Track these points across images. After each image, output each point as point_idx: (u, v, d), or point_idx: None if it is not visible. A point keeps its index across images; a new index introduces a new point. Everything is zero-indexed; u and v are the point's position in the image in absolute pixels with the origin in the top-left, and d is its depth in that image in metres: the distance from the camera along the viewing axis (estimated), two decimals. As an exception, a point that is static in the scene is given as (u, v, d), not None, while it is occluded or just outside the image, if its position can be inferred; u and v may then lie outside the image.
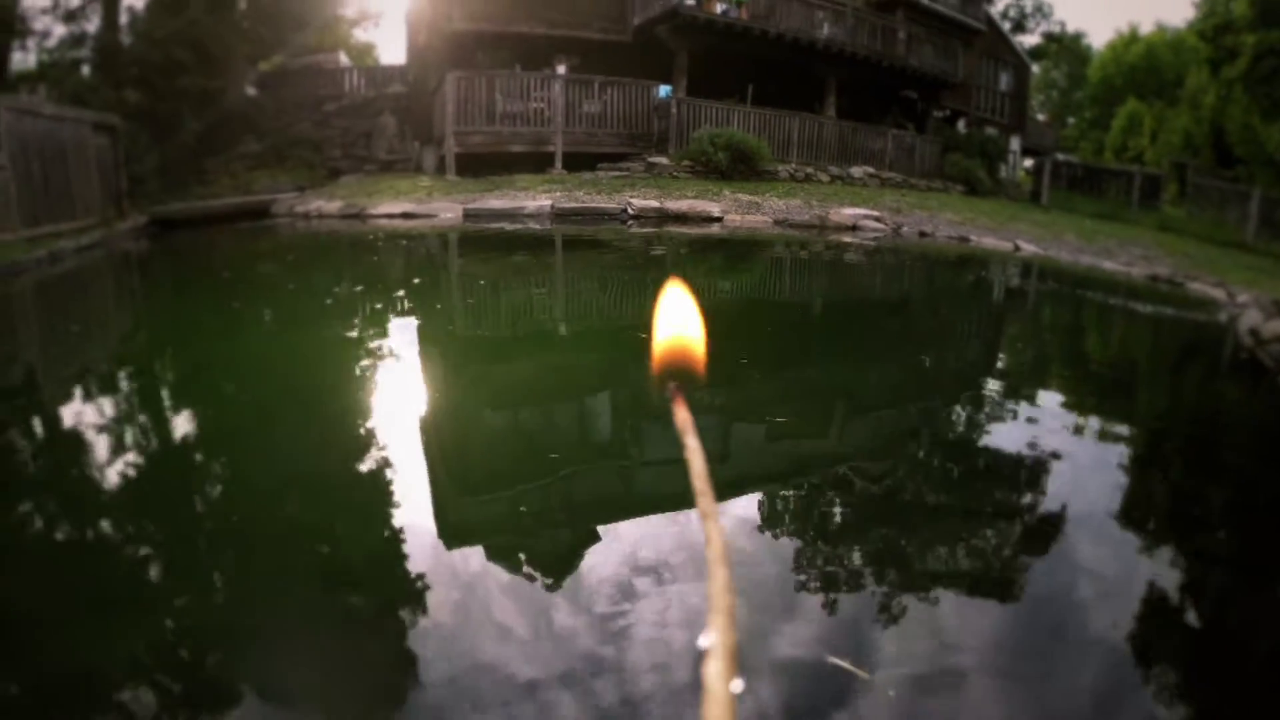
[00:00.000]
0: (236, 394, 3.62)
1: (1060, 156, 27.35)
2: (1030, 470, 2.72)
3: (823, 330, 5.49)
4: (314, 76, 21.58)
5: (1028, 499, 2.48)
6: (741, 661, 1.24)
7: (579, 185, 13.20)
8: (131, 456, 2.71)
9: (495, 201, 12.03)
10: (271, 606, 1.79)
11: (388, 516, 2.24)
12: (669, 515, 2.18)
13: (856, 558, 2.04)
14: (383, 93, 20.50)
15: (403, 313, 5.40)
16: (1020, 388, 4.10)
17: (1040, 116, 37.85)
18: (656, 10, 16.18)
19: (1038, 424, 3.28)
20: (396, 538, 2.11)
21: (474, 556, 1.97)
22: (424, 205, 12.14)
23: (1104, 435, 3.29)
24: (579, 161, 14.92)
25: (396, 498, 2.36)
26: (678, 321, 0.58)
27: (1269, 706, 1.58)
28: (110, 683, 1.49)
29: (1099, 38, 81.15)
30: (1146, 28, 46.19)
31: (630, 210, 11.64)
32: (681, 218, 11.62)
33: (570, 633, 1.61)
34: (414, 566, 1.93)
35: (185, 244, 11.34)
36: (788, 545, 2.08)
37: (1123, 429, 3.48)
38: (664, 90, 15.74)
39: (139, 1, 19.29)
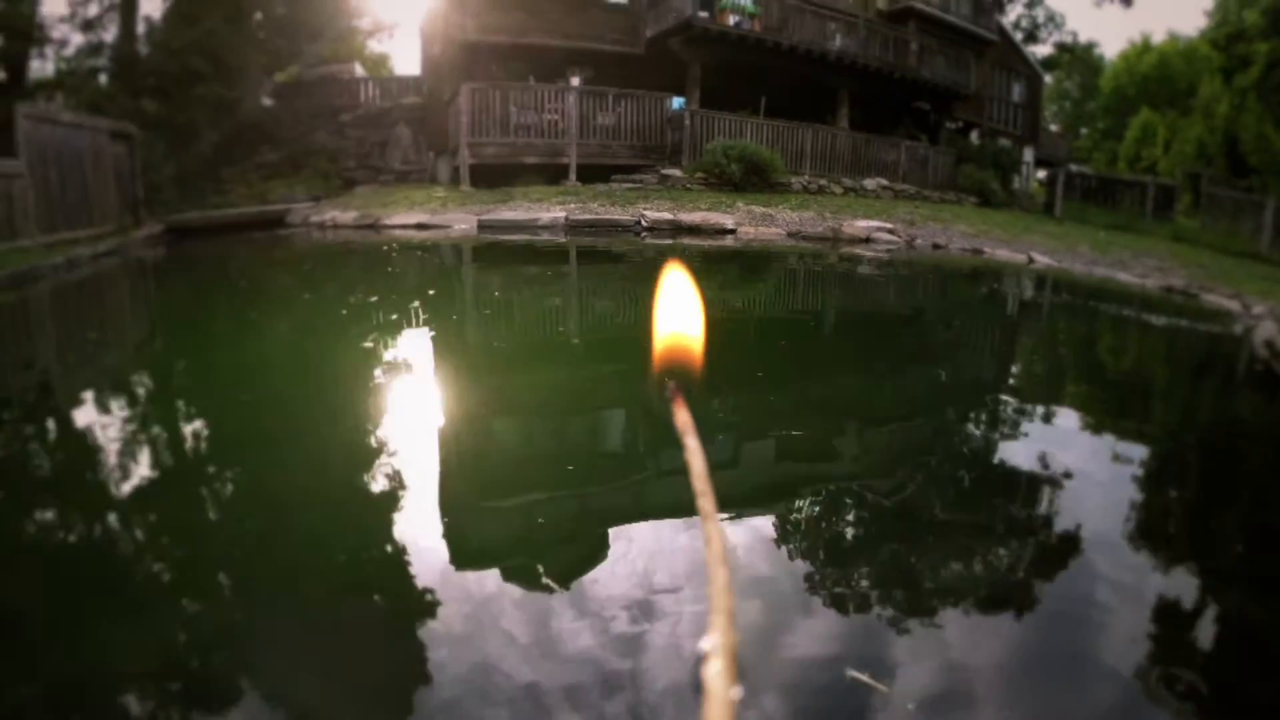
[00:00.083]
0: (251, 402, 3.63)
1: (1074, 167, 27.30)
2: (1046, 485, 2.72)
3: (837, 343, 5.49)
4: (329, 87, 21.72)
5: (1043, 514, 2.48)
6: (759, 675, 1.27)
7: (593, 197, 13.23)
8: (145, 464, 2.74)
9: (509, 213, 12.08)
10: (282, 614, 1.82)
11: (400, 525, 2.26)
12: (682, 526, 2.19)
13: (874, 572, 2.05)
14: (398, 104, 20.61)
15: (417, 323, 5.42)
16: (1035, 401, 4.09)
17: (1053, 127, 37.77)
18: (670, 23, 16.26)
19: (1052, 438, 3.27)
20: (409, 546, 2.12)
21: (487, 565, 1.99)
22: (438, 216, 12.20)
23: (1119, 449, 3.28)
24: (593, 173, 14.97)
25: (409, 506, 2.38)
26: (676, 318, 0.59)
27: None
28: (118, 688, 1.51)
29: (1111, 48, 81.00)
30: (1159, 37, 46.05)
31: (644, 222, 11.67)
32: (695, 230, 11.64)
33: (581, 642, 1.63)
34: (426, 575, 1.95)
35: (201, 252, 11.41)
36: (805, 558, 2.09)
37: (1137, 443, 3.47)
38: (677, 102, 15.81)
39: (156, 11, 19.52)
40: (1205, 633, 1.84)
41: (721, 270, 9.16)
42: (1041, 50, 37.72)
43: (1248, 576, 2.23)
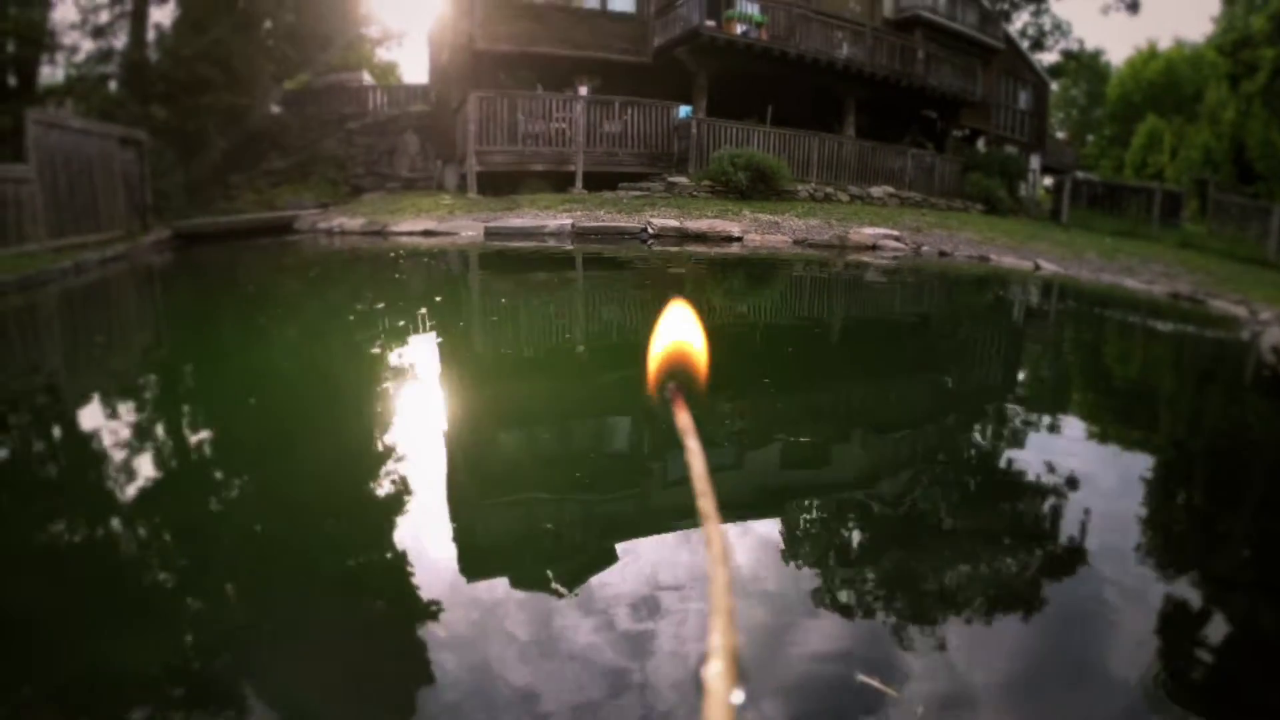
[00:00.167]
0: (258, 407, 3.66)
1: (1080, 174, 27.25)
2: (1054, 491, 2.72)
3: (843, 350, 5.50)
4: (338, 95, 21.86)
5: (1051, 520, 2.48)
6: (769, 679, 1.29)
7: (600, 204, 13.27)
8: (152, 468, 2.76)
9: (516, 220, 12.13)
10: (291, 618, 1.83)
11: (407, 529, 2.29)
12: (686, 531, 2.20)
13: (883, 577, 2.05)
14: (405, 111, 20.73)
15: (423, 329, 5.44)
16: (1042, 408, 4.09)
17: (1060, 134, 37.76)
18: (677, 32, 16.31)
19: (1059, 445, 3.27)
20: (416, 550, 2.14)
21: (494, 570, 2.01)
22: (445, 223, 12.25)
23: (1126, 455, 3.29)
24: (600, 181, 15.01)
25: (416, 511, 2.40)
26: (677, 329, 0.60)
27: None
28: (128, 691, 1.53)
29: (1118, 55, 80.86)
30: (1165, 44, 46.01)
31: (650, 229, 11.71)
32: (701, 237, 11.67)
33: (587, 646, 1.65)
34: (432, 578, 1.97)
35: (208, 258, 11.47)
36: (815, 563, 2.10)
37: (1145, 449, 3.48)
38: (684, 110, 15.84)
39: (166, 19, 19.62)
40: (1214, 639, 1.85)
41: (728, 277, 9.17)
42: (1048, 58, 37.79)
43: (1256, 583, 2.23)
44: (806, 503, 2.60)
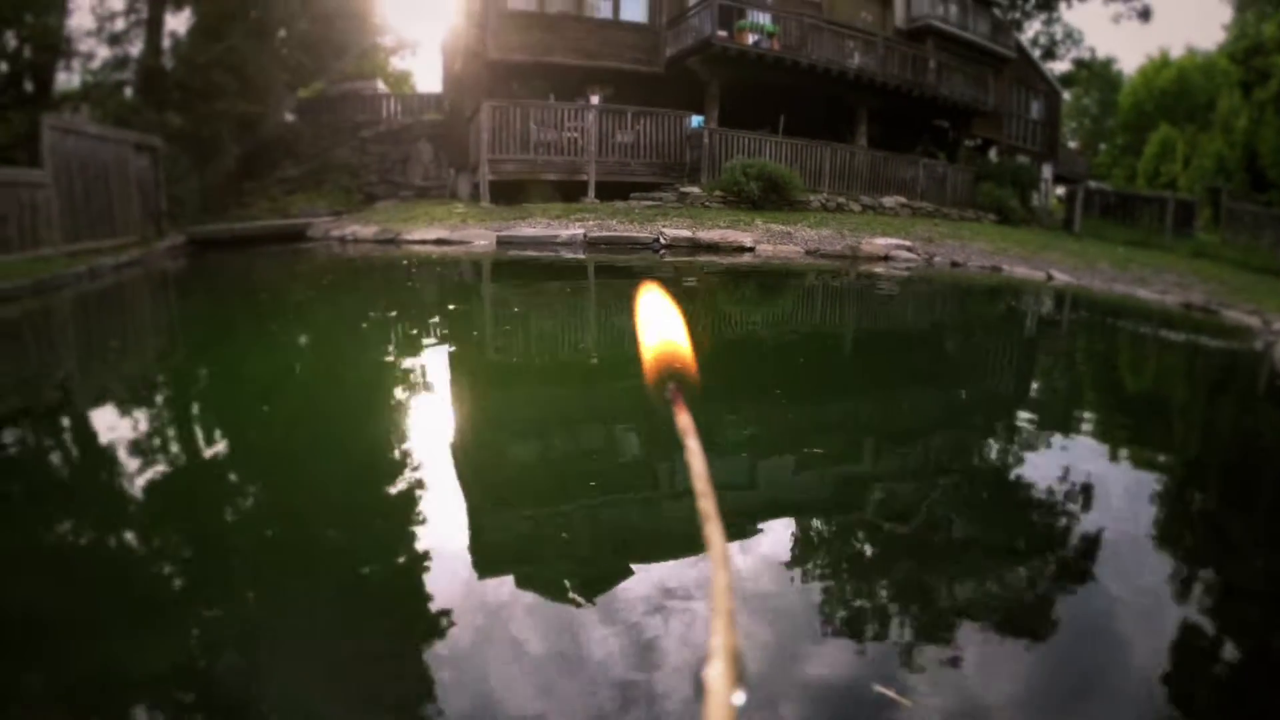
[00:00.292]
0: (271, 413, 3.68)
1: (1092, 184, 27.20)
2: (1067, 503, 2.72)
3: (856, 361, 5.51)
4: (352, 103, 21.99)
5: (1064, 533, 2.48)
6: (783, 688, 1.30)
7: (612, 214, 13.29)
8: (163, 472, 2.78)
9: (528, 229, 12.17)
10: (298, 622, 1.85)
11: (416, 536, 2.30)
12: (693, 538, 2.19)
13: (895, 589, 2.06)
14: (419, 120, 20.82)
15: (436, 338, 5.46)
16: (1055, 419, 4.09)
17: (1072, 144, 37.71)
18: (689, 42, 16.36)
19: (1072, 456, 3.27)
20: (424, 557, 2.16)
21: (502, 580, 2.01)
22: (458, 232, 12.29)
23: (1139, 466, 3.28)
24: (612, 191, 15.05)
25: (426, 518, 2.42)
26: (662, 327, 0.60)
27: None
28: (134, 692, 1.55)
29: (1130, 63, 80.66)
30: (1177, 52, 45.88)
31: (663, 240, 11.73)
32: (713, 247, 11.68)
33: (594, 653, 1.66)
34: (441, 586, 1.98)
35: (222, 264, 11.54)
36: (828, 574, 2.11)
37: (1158, 460, 3.47)
38: (696, 120, 15.86)
39: (181, 27, 19.73)
40: (1230, 653, 1.85)
41: (740, 288, 9.19)
42: (1060, 67, 37.65)
43: (1272, 594, 2.23)
44: (818, 514, 2.61)
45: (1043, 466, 3.17)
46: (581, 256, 10.84)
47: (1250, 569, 2.42)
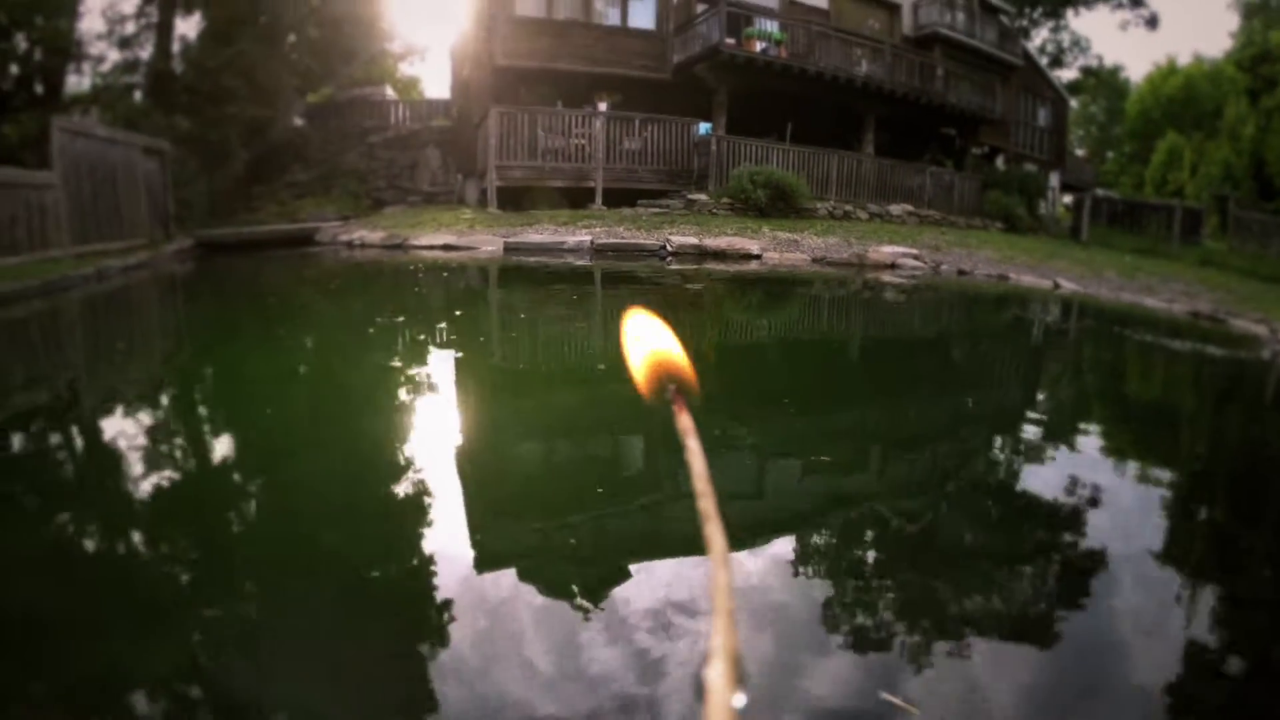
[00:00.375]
0: (276, 417, 3.70)
1: (1100, 192, 27.14)
2: (1074, 513, 2.71)
3: (863, 369, 5.51)
4: (360, 108, 22.07)
5: (1072, 543, 2.47)
6: (789, 695, 1.31)
7: (619, 221, 13.32)
8: (168, 474, 2.79)
9: (535, 235, 12.20)
10: (301, 624, 1.86)
11: (421, 541, 2.31)
12: (697, 546, 2.19)
13: (902, 597, 2.06)
14: (427, 126, 20.92)
15: (442, 343, 5.48)
16: (1061, 428, 4.08)
17: (1079, 152, 37.66)
18: (697, 49, 16.39)
19: (1079, 465, 3.26)
20: (428, 562, 2.17)
21: (505, 584, 2.02)
22: (465, 237, 12.33)
23: (1145, 476, 3.27)
24: (619, 197, 15.07)
25: (430, 523, 2.43)
26: (653, 342, 0.61)
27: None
28: (135, 692, 1.56)
29: (1137, 71, 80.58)
30: (1184, 59, 45.85)
31: (669, 247, 11.75)
32: (720, 255, 11.70)
33: (598, 659, 1.67)
34: (445, 591, 1.98)
35: (230, 268, 11.58)
36: (833, 581, 2.11)
37: (1164, 470, 3.46)
38: (704, 128, 15.89)
39: (191, 31, 19.87)
40: (1236, 665, 1.85)
41: (746, 295, 9.20)
42: (1067, 74, 37.72)
43: (1275, 604, 2.23)
44: (825, 522, 2.61)
45: (1050, 476, 3.17)
46: (588, 263, 10.85)
47: (1259, 579, 2.42)
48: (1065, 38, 38.40)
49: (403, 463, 3.03)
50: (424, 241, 12.40)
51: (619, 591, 1.96)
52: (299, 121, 21.08)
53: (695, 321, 6.38)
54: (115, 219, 11.28)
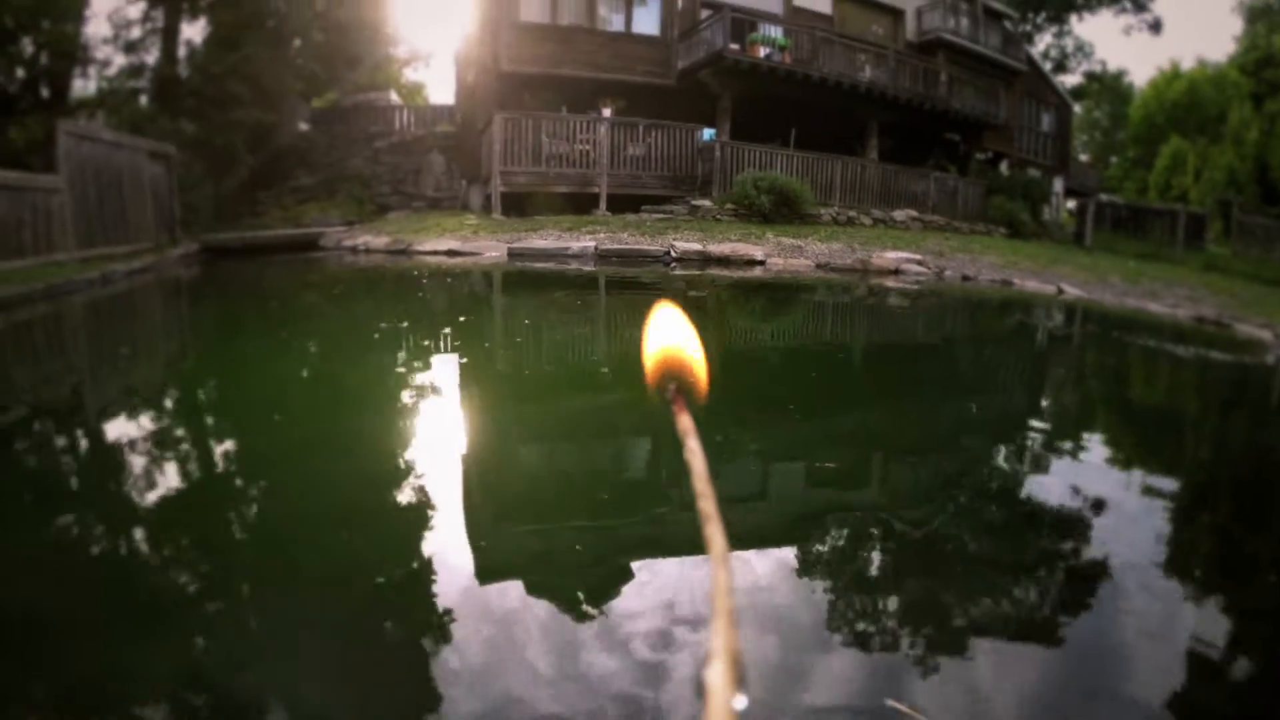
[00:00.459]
0: (278, 422, 3.71)
1: (1104, 197, 27.15)
2: (1078, 520, 2.70)
3: (867, 375, 5.51)
4: (365, 114, 22.15)
5: (1076, 550, 2.47)
6: (794, 701, 1.32)
7: (623, 227, 13.32)
8: (171, 479, 2.80)
9: (540, 241, 12.22)
10: (301, 629, 1.87)
11: (424, 544, 2.32)
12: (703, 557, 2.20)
13: (907, 604, 2.07)
14: (431, 131, 20.96)
15: (445, 349, 5.48)
16: (1066, 434, 4.07)
17: (1083, 157, 37.65)
18: (700, 55, 16.41)
19: (1083, 472, 3.26)
20: (431, 564, 2.18)
21: (509, 591, 2.03)
22: (469, 243, 12.36)
23: (1151, 482, 3.26)
24: (623, 203, 15.07)
25: (434, 525, 2.43)
26: (672, 333, 0.61)
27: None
28: (133, 695, 1.57)
29: (1140, 75, 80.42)
30: (1188, 64, 45.80)
31: (673, 253, 11.76)
32: (724, 261, 11.71)
33: (601, 665, 1.67)
34: (448, 592, 1.99)
35: (235, 272, 11.62)
36: (838, 588, 2.11)
37: (1169, 476, 3.46)
38: (708, 133, 15.92)
39: (197, 35, 19.94)
40: (1241, 673, 1.85)
41: (750, 301, 9.20)
42: (1071, 80, 37.73)
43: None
44: (830, 528, 2.60)
45: (1055, 482, 3.17)
46: (592, 269, 10.86)
47: (1265, 586, 2.42)
48: (1069, 43, 38.43)
49: (407, 467, 3.04)
50: (428, 247, 12.42)
51: (623, 597, 1.96)
52: (304, 126, 21.17)
53: (699, 326, 6.31)
54: (121, 223, 11.32)
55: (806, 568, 2.29)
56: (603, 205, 14.96)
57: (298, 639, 1.84)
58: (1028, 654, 1.85)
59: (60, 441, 3.39)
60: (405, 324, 6.54)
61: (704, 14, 17.20)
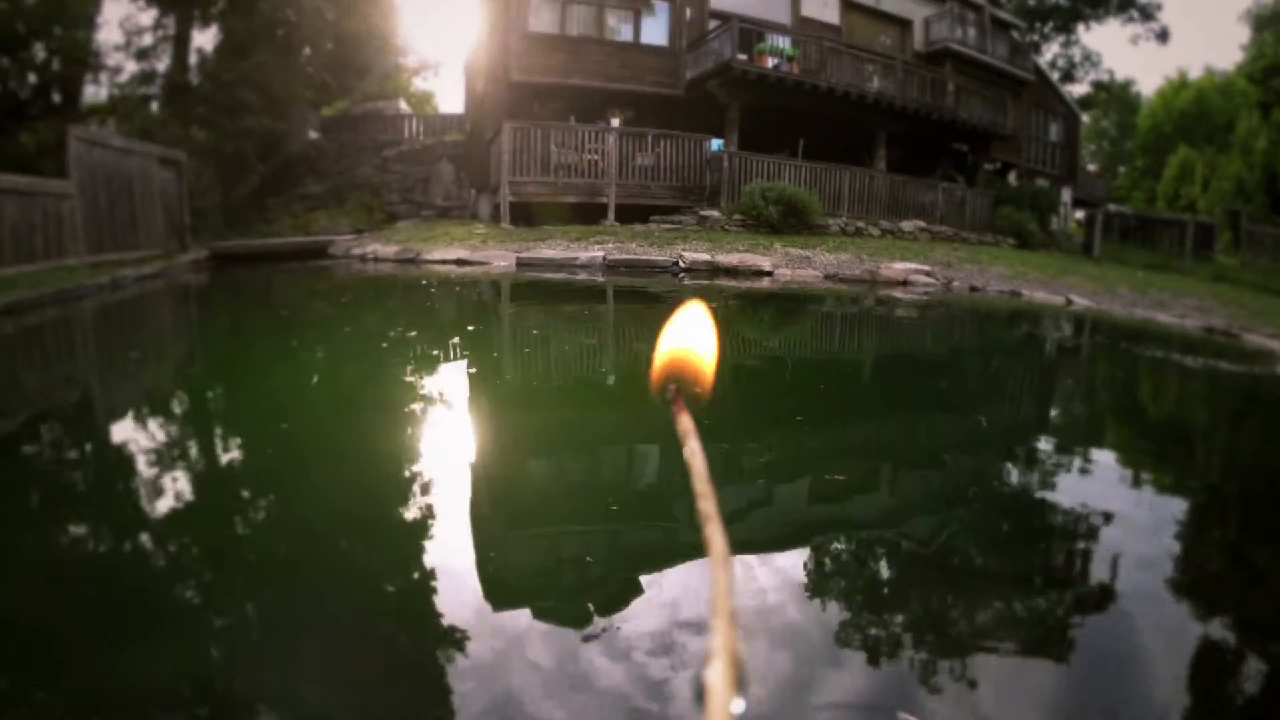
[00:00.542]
0: (286, 430, 3.71)
1: (1112, 207, 27.09)
2: (1088, 533, 2.70)
3: (875, 386, 5.51)
4: (375, 122, 22.25)
5: (1085, 561, 2.46)
6: (803, 712, 1.32)
7: (631, 237, 13.35)
8: (177, 486, 2.80)
9: (548, 251, 12.25)
10: (307, 637, 1.87)
11: (429, 553, 2.32)
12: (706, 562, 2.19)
13: (915, 617, 2.06)
14: (441, 140, 21.06)
15: (453, 358, 5.48)
16: (1075, 446, 4.06)
17: (1091, 167, 37.64)
18: (709, 65, 16.47)
19: (1092, 484, 3.25)
20: (435, 573, 2.18)
21: (516, 597, 2.03)
22: (478, 252, 12.39)
23: (1160, 494, 3.25)
24: (631, 213, 15.11)
25: (439, 535, 2.43)
26: (686, 334, 0.61)
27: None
28: (137, 703, 1.58)
29: (1148, 85, 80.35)
30: (1195, 73, 45.75)
31: (681, 263, 11.78)
32: (732, 271, 11.72)
33: (607, 675, 1.67)
34: (455, 606, 1.99)
35: (244, 279, 11.67)
36: (846, 600, 2.10)
37: (1179, 487, 3.45)
38: (716, 144, 15.94)
39: (208, 43, 20.09)
40: (1253, 688, 1.84)
41: (759, 312, 9.20)
42: (1078, 89, 37.74)
43: None
44: (839, 540, 2.60)
45: (1064, 494, 3.16)
46: (600, 279, 10.87)
47: (1276, 600, 2.42)
48: (1076, 52, 38.44)
49: (414, 476, 3.04)
50: (437, 256, 12.46)
51: (631, 608, 1.96)
52: (314, 135, 21.28)
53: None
54: (131, 229, 11.39)
55: (814, 579, 2.29)
56: (611, 215, 14.99)
57: (305, 648, 1.84)
58: (1041, 669, 1.85)
59: (68, 445, 3.40)
60: (414, 333, 6.55)
61: (712, 24, 17.26)
